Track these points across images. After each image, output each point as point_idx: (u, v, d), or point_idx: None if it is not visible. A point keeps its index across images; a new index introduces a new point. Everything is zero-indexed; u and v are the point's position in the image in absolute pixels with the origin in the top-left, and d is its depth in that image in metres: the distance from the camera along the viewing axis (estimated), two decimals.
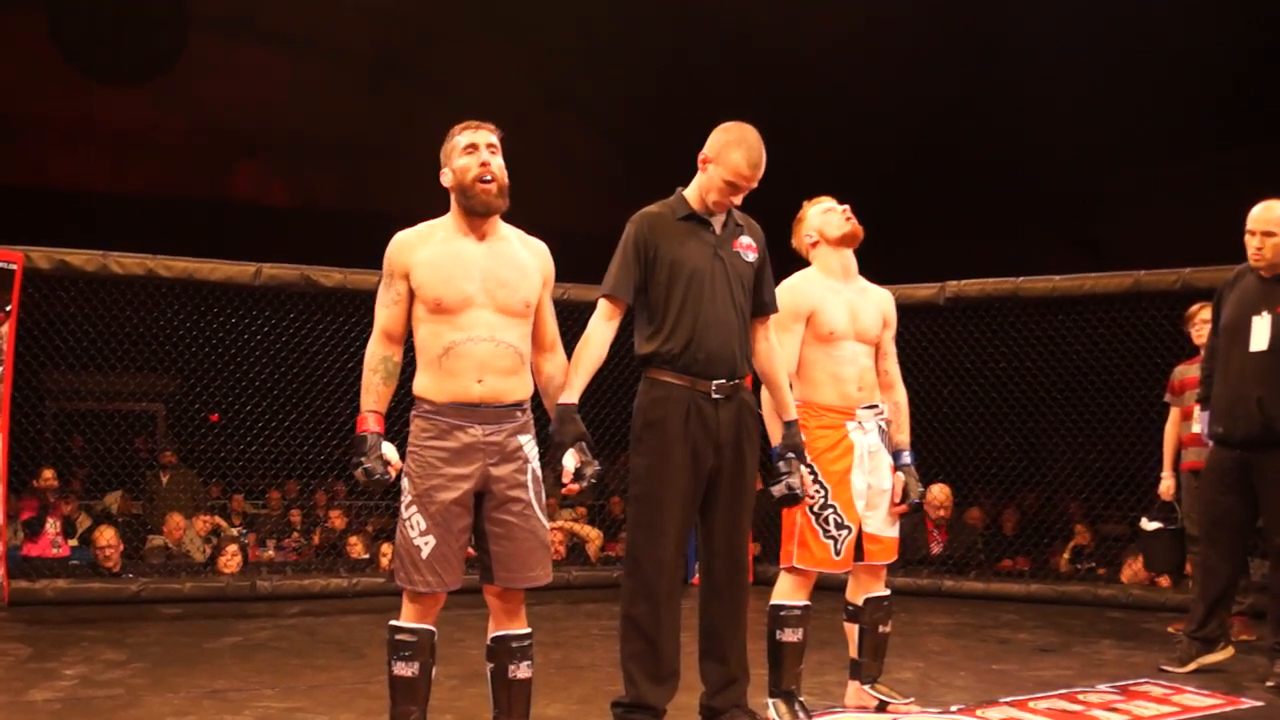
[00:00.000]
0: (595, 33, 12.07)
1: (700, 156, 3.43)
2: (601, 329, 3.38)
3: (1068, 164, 11.04)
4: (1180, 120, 9.82)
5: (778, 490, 3.47)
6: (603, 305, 3.41)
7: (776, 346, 3.61)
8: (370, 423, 3.02)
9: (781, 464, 3.49)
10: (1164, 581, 6.60)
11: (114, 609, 6.17)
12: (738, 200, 3.43)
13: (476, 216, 3.09)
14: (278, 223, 12.59)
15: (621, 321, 3.43)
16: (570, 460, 3.17)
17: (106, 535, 6.74)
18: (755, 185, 3.40)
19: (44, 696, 4.14)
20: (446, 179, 3.13)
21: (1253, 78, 9.61)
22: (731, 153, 3.35)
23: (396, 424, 3.08)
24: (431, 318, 3.04)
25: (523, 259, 3.15)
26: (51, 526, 7.34)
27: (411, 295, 3.07)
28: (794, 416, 3.56)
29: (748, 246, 3.50)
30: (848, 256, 3.89)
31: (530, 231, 3.27)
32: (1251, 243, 4.53)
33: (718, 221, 3.47)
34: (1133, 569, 6.82)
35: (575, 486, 3.20)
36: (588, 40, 12.33)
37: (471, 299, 3.03)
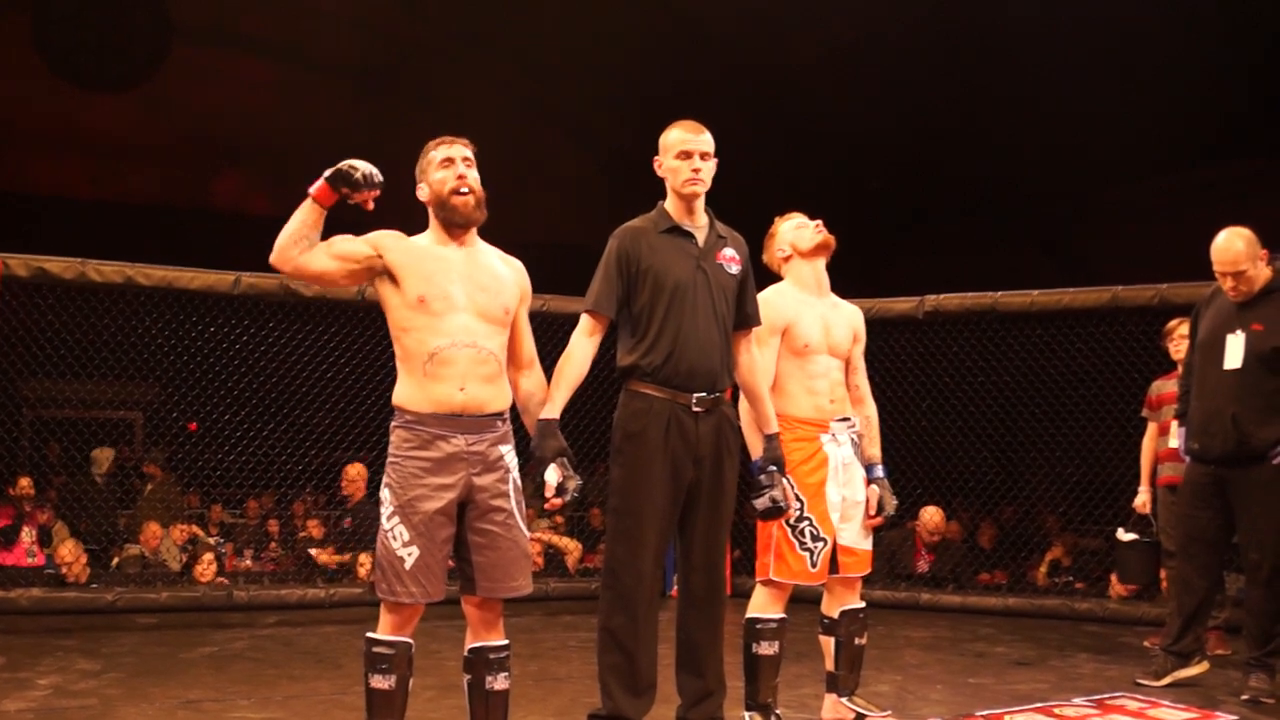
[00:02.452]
0: (580, 46, 12.09)
1: (654, 164, 3.49)
2: (583, 344, 3.38)
3: (1053, 179, 11.11)
4: (1165, 136, 9.90)
5: (760, 503, 3.48)
6: (585, 320, 3.41)
7: (759, 359, 3.62)
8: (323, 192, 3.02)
9: (763, 477, 3.49)
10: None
11: (89, 618, 6.13)
12: (706, 168, 3.40)
13: (455, 228, 3.11)
14: (260, 231, 12.52)
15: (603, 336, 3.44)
16: (552, 475, 3.17)
17: (66, 548, 6.67)
18: (711, 150, 3.42)
19: (16, 707, 4.11)
20: (423, 194, 3.15)
21: (1236, 95, 9.69)
22: (669, 134, 3.45)
23: (375, 435, 3.07)
24: (414, 323, 3.03)
25: (500, 270, 3.17)
26: (27, 535, 7.27)
27: (368, 273, 3.04)
28: (775, 430, 3.58)
29: (731, 259, 3.51)
30: (820, 270, 3.91)
31: (514, 243, 3.28)
32: (1225, 284, 4.57)
33: (701, 234, 3.48)
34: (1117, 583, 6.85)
35: (558, 501, 3.20)
36: (572, 53, 12.36)
37: (454, 300, 3.03)
